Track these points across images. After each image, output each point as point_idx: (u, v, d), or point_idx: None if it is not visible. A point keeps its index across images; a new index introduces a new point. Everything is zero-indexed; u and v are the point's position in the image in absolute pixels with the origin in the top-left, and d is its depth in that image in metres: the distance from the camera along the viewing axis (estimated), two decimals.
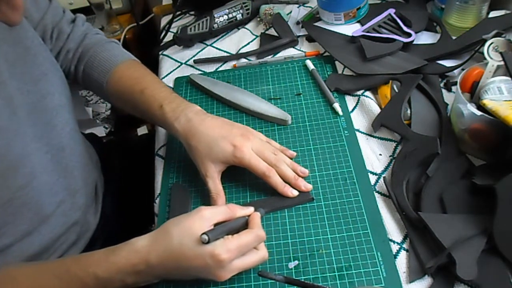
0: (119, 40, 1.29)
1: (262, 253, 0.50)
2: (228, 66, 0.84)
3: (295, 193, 0.57)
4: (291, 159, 0.62)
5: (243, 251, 0.48)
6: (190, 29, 0.88)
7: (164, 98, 0.63)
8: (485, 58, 0.58)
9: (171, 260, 0.47)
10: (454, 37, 0.74)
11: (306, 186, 0.59)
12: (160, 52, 0.91)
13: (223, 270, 0.46)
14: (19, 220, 0.54)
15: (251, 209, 0.53)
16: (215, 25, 0.89)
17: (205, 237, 0.45)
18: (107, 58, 0.69)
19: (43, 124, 0.58)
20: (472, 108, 0.53)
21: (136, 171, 0.63)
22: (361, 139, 0.65)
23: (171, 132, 0.62)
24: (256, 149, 0.58)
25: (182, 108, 0.61)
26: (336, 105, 0.69)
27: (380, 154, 0.63)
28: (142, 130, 1.52)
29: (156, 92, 0.64)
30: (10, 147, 0.51)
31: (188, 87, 0.80)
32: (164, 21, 1.03)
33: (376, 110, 0.67)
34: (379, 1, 0.89)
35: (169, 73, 0.85)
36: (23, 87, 0.55)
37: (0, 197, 0.51)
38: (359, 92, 0.71)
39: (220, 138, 0.57)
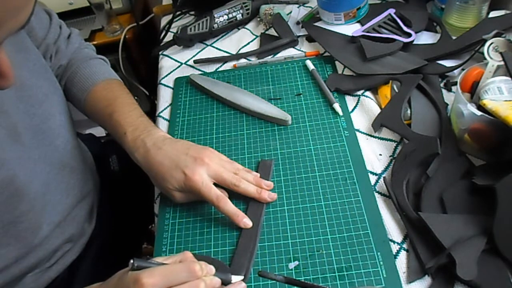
0: (119, 40, 1.31)
1: (195, 283, 0.43)
2: (228, 66, 0.84)
3: (249, 224, 0.55)
4: (271, 189, 0.59)
5: (170, 279, 0.42)
6: (190, 29, 0.88)
7: (129, 124, 0.62)
8: (485, 58, 0.58)
9: None
10: (454, 37, 0.74)
11: (271, 196, 0.58)
12: (160, 52, 0.91)
13: None
14: (19, 243, 0.55)
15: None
16: (215, 25, 0.89)
17: (132, 261, 0.42)
18: (87, 76, 0.69)
19: (46, 145, 0.58)
20: (472, 108, 0.53)
21: (135, 171, 0.63)
22: (361, 139, 0.65)
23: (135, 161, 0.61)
24: (213, 172, 0.56)
25: (142, 137, 0.60)
26: (336, 105, 0.69)
27: (380, 154, 0.63)
28: None
29: (123, 117, 0.63)
30: (15, 176, 0.51)
31: (188, 87, 0.80)
32: (164, 21, 1.03)
33: (376, 110, 0.67)
34: (379, 1, 0.89)
35: (169, 73, 0.85)
36: (30, 110, 0.55)
37: (1, 220, 0.51)
38: (359, 92, 0.71)
39: (173, 167, 0.56)
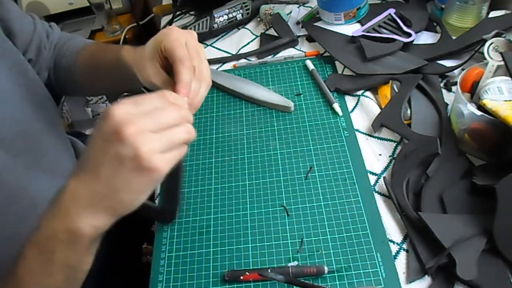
0: (119, 40, 1.31)
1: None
2: (228, 66, 0.84)
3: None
4: None
5: (143, 110, 0.36)
6: (190, 29, 0.88)
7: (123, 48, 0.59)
8: (485, 58, 0.58)
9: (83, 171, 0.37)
10: (454, 37, 0.73)
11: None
12: None
13: (124, 134, 0.34)
14: None
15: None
16: (215, 25, 0.89)
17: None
18: (73, 44, 0.68)
19: (34, 151, 0.56)
20: (472, 108, 0.53)
21: None
22: (361, 139, 0.65)
23: (128, 64, 0.55)
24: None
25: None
26: (336, 105, 0.69)
27: (380, 154, 0.62)
28: None
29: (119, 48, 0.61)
30: (2, 182, 0.50)
31: None
32: (164, 21, 1.03)
33: (376, 110, 0.67)
34: (379, 1, 0.89)
35: None
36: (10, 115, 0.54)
37: (1, 234, 0.50)
38: (359, 92, 0.71)
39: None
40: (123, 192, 0.36)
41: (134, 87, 0.67)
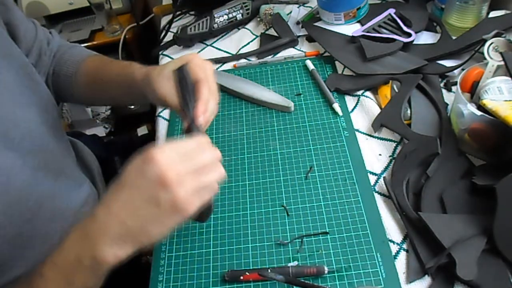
0: (119, 40, 1.31)
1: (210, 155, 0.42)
2: (228, 66, 0.84)
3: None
4: None
5: (182, 153, 0.41)
6: (190, 29, 0.88)
7: (132, 65, 0.64)
8: (485, 58, 0.58)
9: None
10: (454, 37, 0.73)
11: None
12: (160, 52, 0.91)
13: (159, 175, 0.38)
14: (30, 252, 0.53)
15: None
16: (215, 25, 0.89)
17: None
18: (75, 53, 0.70)
19: (40, 152, 0.56)
20: (472, 108, 0.53)
21: None
22: (361, 139, 0.65)
23: (140, 81, 0.59)
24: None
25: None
26: (336, 105, 0.69)
27: (380, 154, 0.63)
28: (142, 130, 1.52)
29: (124, 64, 0.66)
30: (10, 182, 0.50)
31: None
32: (164, 21, 1.03)
33: (376, 110, 0.67)
34: (379, 1, 0.89)
35: None
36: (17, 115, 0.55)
37: (4, 234, 0.49)
38: (359, 92, 0.71)
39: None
40: (154, 229, 0.40)
41: (136, 103, 0.68)
